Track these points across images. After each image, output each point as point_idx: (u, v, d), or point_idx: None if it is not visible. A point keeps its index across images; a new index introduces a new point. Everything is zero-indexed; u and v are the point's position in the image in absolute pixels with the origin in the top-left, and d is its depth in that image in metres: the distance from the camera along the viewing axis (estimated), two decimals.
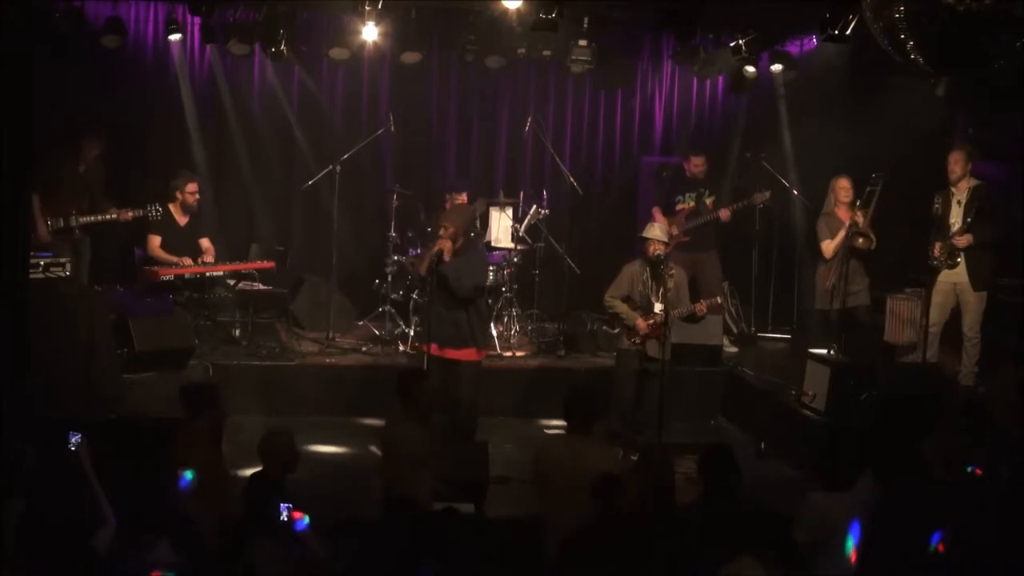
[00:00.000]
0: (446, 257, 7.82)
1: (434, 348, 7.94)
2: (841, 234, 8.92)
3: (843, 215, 9.03)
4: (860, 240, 8.84)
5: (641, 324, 8.00)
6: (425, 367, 7.79)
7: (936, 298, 8.56)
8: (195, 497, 5.44)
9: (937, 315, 8.56)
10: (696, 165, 10.04)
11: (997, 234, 8.49)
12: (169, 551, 4.66)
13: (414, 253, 9.76)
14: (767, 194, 10.10)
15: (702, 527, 5.16)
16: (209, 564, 4.88)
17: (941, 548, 5.14)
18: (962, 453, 6.02)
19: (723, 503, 5.24)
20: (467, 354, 7.98)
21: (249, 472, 5.75)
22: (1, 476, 5.06)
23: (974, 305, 8.54)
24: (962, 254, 8.47)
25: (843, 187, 9.02)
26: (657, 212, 10.04)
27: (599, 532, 5.15)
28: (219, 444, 5.97)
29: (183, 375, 8.38)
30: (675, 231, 9.79)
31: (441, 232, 7.96)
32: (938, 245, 8.54)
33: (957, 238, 8.46)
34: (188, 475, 5.38)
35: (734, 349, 10.09)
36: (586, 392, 6.58)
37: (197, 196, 9.36)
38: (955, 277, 8.53)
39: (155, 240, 9.23)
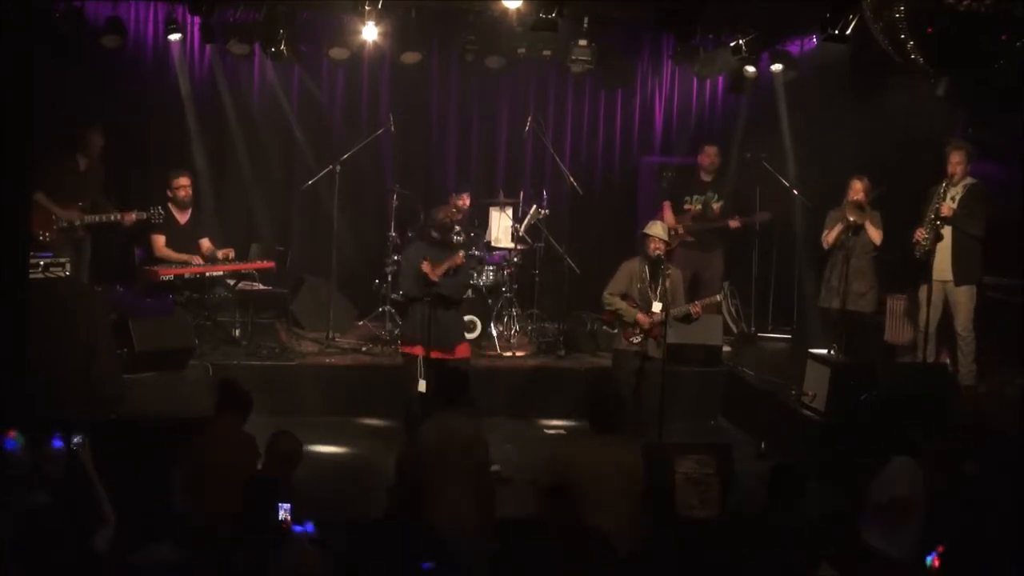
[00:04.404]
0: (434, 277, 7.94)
1: (424, 351, 7.97)
2: (838, 227, 8.93)
3: (848, 212, 9.03)
4: (852, 217, 8.83)
5: (643, 319, 7.96)
6: (420, 371, 7.83)
7: (924, 296, 8.57)
8: (214, 492, 5.50)
9: (926, 314, 8.55)
10: (708, 155, 10.09)
11: (979, 228, 8.48)
12: (171, 550, 4.67)
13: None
14: (768, 215, 10.26)
15: (763, 535, 5.22)
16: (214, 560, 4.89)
17: (936, 563, 5.17)
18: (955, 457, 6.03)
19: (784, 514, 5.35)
20: (462, 350, 8.13)
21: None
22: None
23: (964, 303, 8.55)
24: (946, 235, 8.44)
25: (854, 188, 9.00)
26: (667, 208, 10.07)
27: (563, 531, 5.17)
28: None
29: (183, 375, 8.40)
30: (680, 230, 9.82)
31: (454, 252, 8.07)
32: (921, 230, 8.54)
33: (943, 206, 8.42)
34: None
35: (728, 348, 10.06)
36: (610, 391, 6.58)
37: (187, 190, 9.34)
38: (943, 275, 8.54)
39: (160, 240, 9.22)
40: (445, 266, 7.98)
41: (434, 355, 7.90)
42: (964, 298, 8.55)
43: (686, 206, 10.11)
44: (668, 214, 9.98)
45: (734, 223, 10.01)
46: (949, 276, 8.53)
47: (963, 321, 8.55)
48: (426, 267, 7.91)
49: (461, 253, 8.10)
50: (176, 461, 5.79)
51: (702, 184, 10.14)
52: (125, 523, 5.19)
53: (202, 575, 4.85)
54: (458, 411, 6.23)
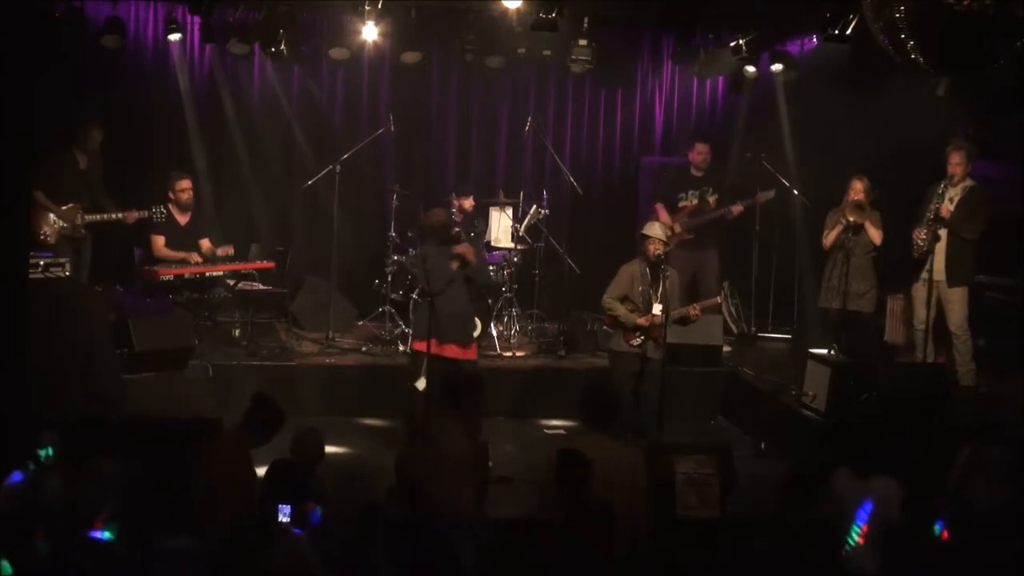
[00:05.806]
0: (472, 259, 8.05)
1: (434, 347, 7.92)
2: (838, 228, 8.93)
3: (848, 212, 9.03)
4: (852, 217, 8.83)
5: (643, 322, 7.94)
6: (425, 368, 7.83)
7: (920, 295, 8.58)
8: (220, 499, 5.51)
9: (922, 313, 8.56)
10: (699, 152, 10.07)
11: (974, 232, 8.48)
12: (186, 543, 4.69)
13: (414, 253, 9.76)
14: (771, 193, 10.16)
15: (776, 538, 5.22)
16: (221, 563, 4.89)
17: (945, 535, 5.16)
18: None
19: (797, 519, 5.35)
20: (470, 352, 8.12)
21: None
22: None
23: (956, 303, 8.57)
24: (943, 236, 8.44)
25: (855, 188, 8.99)
26: (661, 209, 10.05)
27: (567, 523, 5.15)
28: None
29: (183, 375, 8.39)
30: (677, 228, 9.81)
31: (464, 241, 8.17)
32: (919, 230, 8.54)
33: (942, 206, 8.43)
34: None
35: (728, 348, 10.05)
36: (606, 388, 6.58)
37: (190, 193, 9.36)
38: (938, 275, 8.55)
39: (159, 240, 9.24)
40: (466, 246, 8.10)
41: (449, 353, 7.92)
42: (956, 298, 8.58)
43: (681, 203, 10.09)
44: (663, 214, 9.94)
45: (737, 208, 9.98)
46: (942, 276, 8.55)
47: (957, 320, 8.58)
48: (466, 249, 8.02)
49: (466, 244, 8.18)
50: (191, 467, 5.81)
51: (695, 180, 10.12)
52: (137, 518, 5.20)
53: (216, 569, 4.85)
54: (459, 412, 6.25)
